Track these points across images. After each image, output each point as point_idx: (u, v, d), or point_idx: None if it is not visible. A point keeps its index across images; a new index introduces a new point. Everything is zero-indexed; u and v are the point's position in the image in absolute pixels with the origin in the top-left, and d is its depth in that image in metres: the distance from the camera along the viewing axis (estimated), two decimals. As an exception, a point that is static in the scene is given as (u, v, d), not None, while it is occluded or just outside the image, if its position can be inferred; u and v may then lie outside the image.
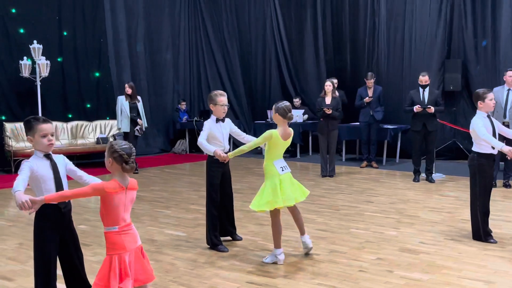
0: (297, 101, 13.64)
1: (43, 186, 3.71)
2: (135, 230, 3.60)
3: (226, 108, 5.74)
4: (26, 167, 3.61)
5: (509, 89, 8.92)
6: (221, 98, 5.69)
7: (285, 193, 5.18)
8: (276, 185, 5.16)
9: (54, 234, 3.76)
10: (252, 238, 6.19)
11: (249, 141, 5.74)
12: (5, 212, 7.82)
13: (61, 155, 3.95)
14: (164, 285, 4.74)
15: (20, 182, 3.47)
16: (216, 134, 5.69)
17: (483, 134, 5.70)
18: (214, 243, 5.76)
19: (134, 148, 3.52)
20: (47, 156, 3.78)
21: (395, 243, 5.93)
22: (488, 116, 5.91)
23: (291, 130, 5.35)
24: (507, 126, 8.65)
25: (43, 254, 3.72)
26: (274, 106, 5.34)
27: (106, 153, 3.48)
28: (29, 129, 3.74)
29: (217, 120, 5.71)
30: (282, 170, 5.24)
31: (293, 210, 5.47)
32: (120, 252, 3.42)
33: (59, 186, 3.76)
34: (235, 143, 12.13)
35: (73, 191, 3.41)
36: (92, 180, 3.86)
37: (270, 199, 5.15)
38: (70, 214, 3.91)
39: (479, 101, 5.92)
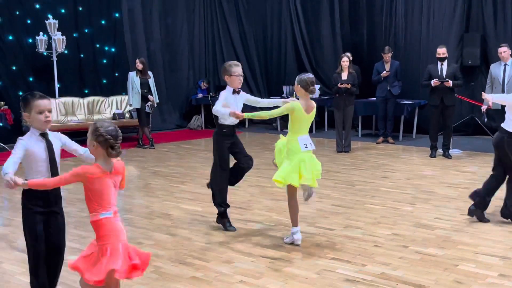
0: None
1: (35, 166, 3.54)
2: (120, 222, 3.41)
3: (241, 78, 5.59)
4: (20, 147, 3.47)
5: (505, 64, 9.10)
6: (236, 69, 5.54)
7: (307, 172, 5.03)
8: (295, 162, 5.00)
9: (38, 218, 3.60)
10: (267, 213, 6.21)
11: (268, 103, 5.68)
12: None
13: (58, 133, 3.76)
14: (179, 259, 4.78)
15: (11, 164, 3.34)
16: (231, 106, 5.51)
17: None
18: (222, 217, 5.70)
19: (120, 131, 3.38)
20: (43, 135, 3.59)
21: (411, 219, 5.91)
22: None
23: (313, 103, 5.19)
24: None
25: (33, 234, 3.59)
26: (297, 78, 5.17)
27: (89, 136, 3.29)
28: (25, 105, 3.58)
29: (234, 91, 5.56)
30: (306, 147, 5.06)
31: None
32: (118, 239, 3.26)
33: (53, 168, 3.59)
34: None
35: (54, 179, 3.33)
36: (86, 151, 3.72)
37: (287, 173, 4.99)
38: (57, 198, 3.71)
39: None
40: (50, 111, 3.60)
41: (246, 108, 5.80)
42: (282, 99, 5.60)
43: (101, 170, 3.27)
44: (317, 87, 12.54)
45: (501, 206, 5.82)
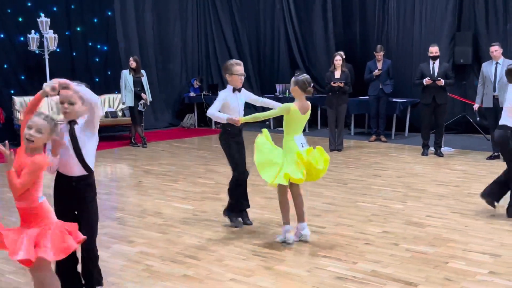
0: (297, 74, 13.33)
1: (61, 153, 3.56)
2: None
3: (243, 78, 5.51)
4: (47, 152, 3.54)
5: (496, 63, 9.15)
6: (238, 68, 5.46)
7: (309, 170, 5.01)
8: (295, 160, 4.97)
9: (66, 207, 3.63)
10: (258, 211, 6.21)
11: (267, 103, 5.67)
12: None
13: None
14: (171, 257, 4.78)
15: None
16: (232, 105, 5.44)
17: None
18: (231, 214, 5.67)
19: None
20: (69, 124, 3.56)
21: (402, 217, 5.93)
22: None
23: (308, 104, 5.19)
24: (497, 99, 8.80)
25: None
26: (293, 79, 5.14)
27: (49, 133, 3.34)
28: None
29: (234, 89, 5.48)
30: (302, 147, 5.06)
31: (297, 195, 5.23)
32: (54, 218, 3.41)
33: (80, 159, 3.56)
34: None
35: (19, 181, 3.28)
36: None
37: (288, 171, 4.94)
38: (84, 190, 3.63)
39: None
40: (71, 103, 3.52)
41: (246, 106, 5.76)
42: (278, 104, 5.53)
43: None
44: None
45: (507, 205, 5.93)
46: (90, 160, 3.62)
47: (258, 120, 5.28)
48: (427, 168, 8.61)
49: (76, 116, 3.57)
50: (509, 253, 4.76)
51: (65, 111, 3.53)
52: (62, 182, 3.62)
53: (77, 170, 3.58)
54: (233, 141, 5.58)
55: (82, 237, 3.44)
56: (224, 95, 5.45)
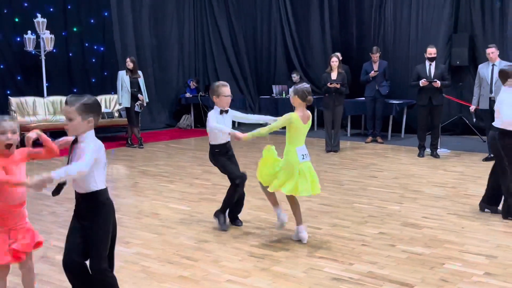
0: (294, 76, 13.37)
1: None
2: None
3: (230, 98, 5.63)
4: None
5: (493, 65, 9.18)
6: (225, 89, 5.56)
7: (302, 184, 5.01)
8: (294, 173, 5.00)
9: (76, 222, 3.52)
10: (254, 213, 6.22)
11: (257, 119, 5.73)
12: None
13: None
14: (167, 258, 4.78)
15: None
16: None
17: (508, 116, 5.62)
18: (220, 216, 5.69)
19: None
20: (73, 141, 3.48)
21: (398, 218, 5.94)
22: None
23: (309, 113, 5.23)
24: (493, 101, 8.83)
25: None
26: (292, 89, 5.19)
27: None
28: None
29: (221, 111, 5.59)
30: (303, 158, 5.08)
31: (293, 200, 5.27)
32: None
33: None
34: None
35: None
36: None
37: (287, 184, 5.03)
38: (91, 207, 3.46)
39: (509, 79, 5.79)
40: (69, 119, 3.37)
41: (234, 124, 5.82)
42: (273, 118, 5.57)
43: None
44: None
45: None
46: (91, 180, 3.41)
47: (262, 136, 5.32)
48: (424, 170, 8.63)
49: (77, 131, 3.41)
50: (505, 255, 4.77)
51: (66, 127, 3.43)
52: (75, 197, 3.54)
53: (79, 188, 3.46)
54: (223, 157, 5.67)
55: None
56: (213, 116, 5.55)
